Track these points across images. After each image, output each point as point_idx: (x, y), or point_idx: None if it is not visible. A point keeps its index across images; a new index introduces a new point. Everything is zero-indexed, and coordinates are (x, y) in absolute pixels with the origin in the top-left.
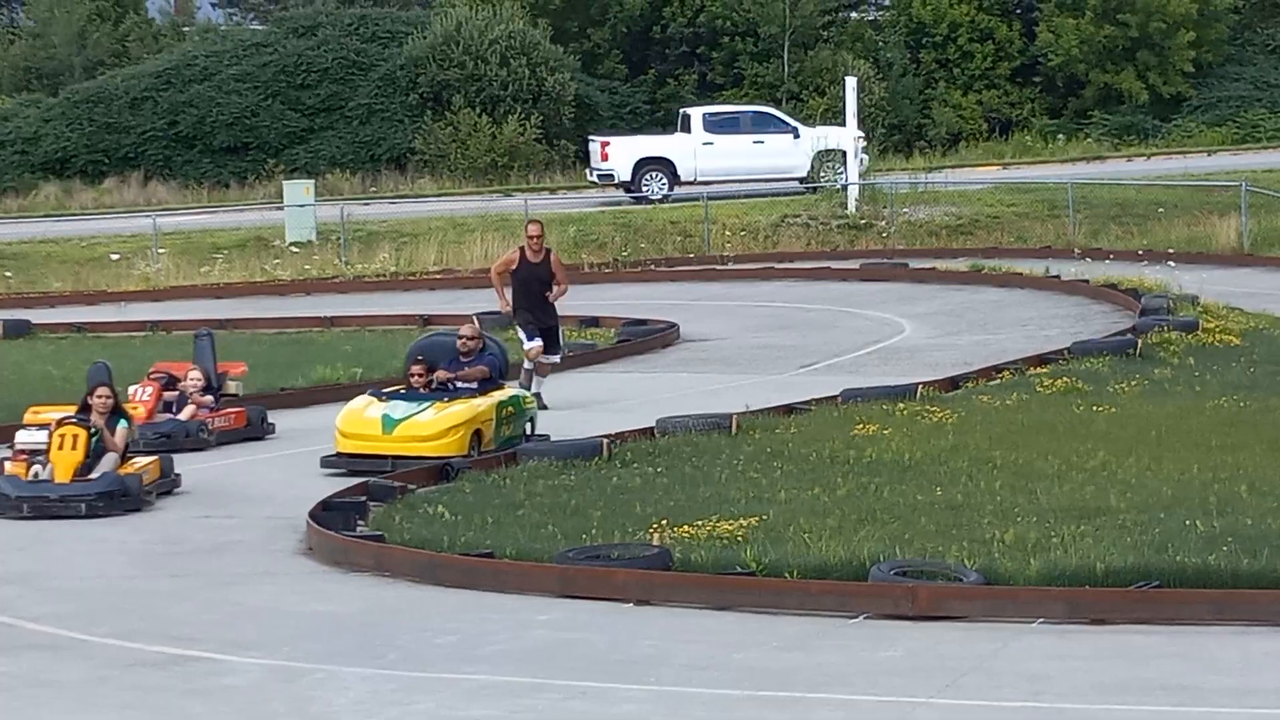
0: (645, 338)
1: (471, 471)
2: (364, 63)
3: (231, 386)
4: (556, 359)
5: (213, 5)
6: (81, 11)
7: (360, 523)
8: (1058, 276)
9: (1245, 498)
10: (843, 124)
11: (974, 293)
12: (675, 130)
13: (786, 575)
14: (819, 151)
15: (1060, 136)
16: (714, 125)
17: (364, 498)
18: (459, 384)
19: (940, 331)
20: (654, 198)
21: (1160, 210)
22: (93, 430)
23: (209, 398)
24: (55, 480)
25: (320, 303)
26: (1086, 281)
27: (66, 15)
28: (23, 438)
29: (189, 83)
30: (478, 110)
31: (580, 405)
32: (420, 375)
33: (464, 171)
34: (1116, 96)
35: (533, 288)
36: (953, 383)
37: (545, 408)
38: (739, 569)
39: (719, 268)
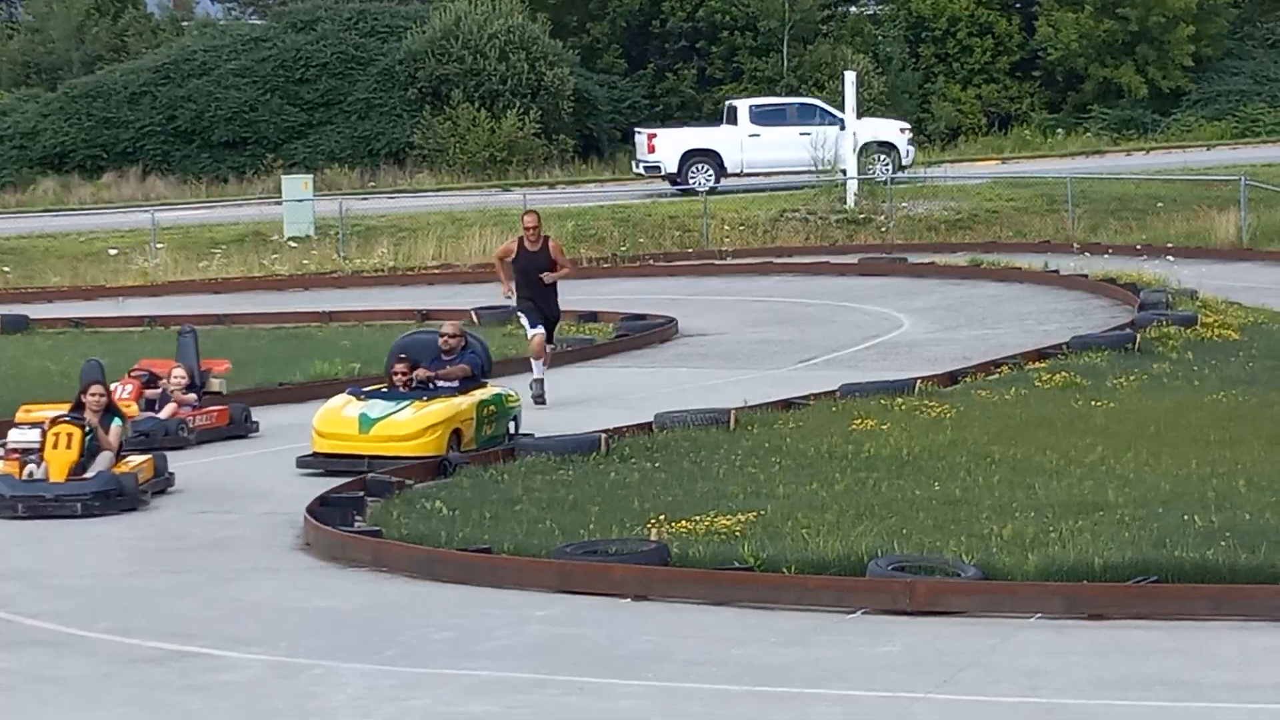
0: (643, 333)
1: (469, 467)
2: (362, 57)
3: (215, 384)
4: (550, 348)
5: (211, 0)
6: (80, 6)
7: (358, 518)
8: (1056, 271)
9: (1243, 493)
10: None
11: (973, 287)
12: (721, 122)
13: (784, 570)
14: (865, 143)
15: (1059, 131)
16: (760, 117)
17: (362, 493)
18: (439, 383)
19: (939, 326)
20: (700, 190)
21: (1159, 205)
22: (87, 429)
23: (192, 396)
24: (50, 479)
25: (318, 298)
26: (1085, 276)
27: (65, 10)
28: (15, 437)
29: (187, 78)
30: (476, 105)
31: (578, 400)
32: (403, 374)
33: (462, 166)
34: (1116, 91)
35: (533, 276)
36: (951, 378)
37: (542, 395)
38: (737, 564)
39: (717, 262)
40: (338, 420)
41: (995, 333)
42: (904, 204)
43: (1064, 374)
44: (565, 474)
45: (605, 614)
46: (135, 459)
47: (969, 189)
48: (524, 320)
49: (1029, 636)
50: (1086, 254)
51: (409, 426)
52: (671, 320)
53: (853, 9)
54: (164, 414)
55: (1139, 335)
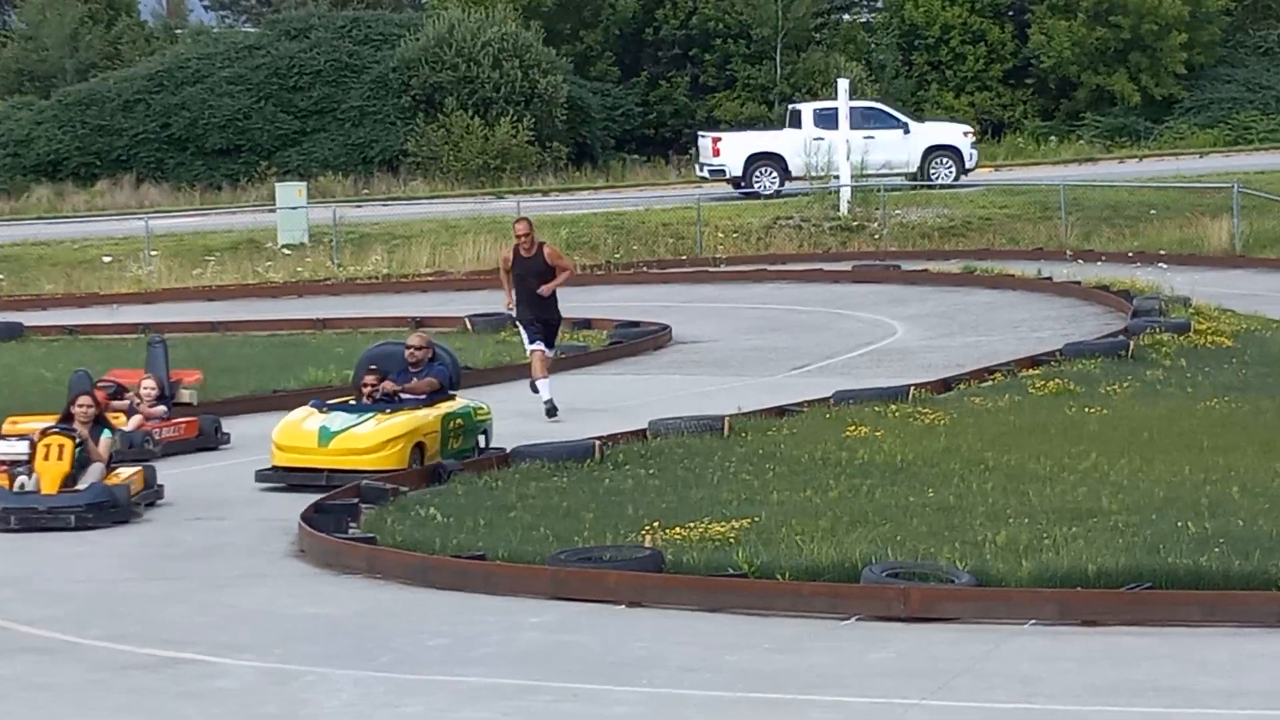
0: (637, 339)
1: (464, 474)
2: (356, 65)
3: (185, 395)
4: (550, 353)
5: (205, 7)
6: (74, 14)
7: (352, 525)
8: (1050, 278)
9: (1237, 499)
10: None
11: (966, 294)
12: (784, 126)
13: (778, 577)
14: (928, 147)
15: (1052, 138)
16: (824, 120)
17: (356, 500)
18: (404, 396)
19: (932, 333)
20: (765, 193)
21: (1152, 212)
22: (77, 440)
23: (161, 407)
24: (42, 491)
25: (312, 305)
26: (1078, 283)
27: (59, 17)
28: (2, 449)
29: (181, 85)
30: (470, 112)
31: (572, 407)
32: (372, 385)
33: (456, 173)
34: (1108, 98)
35: (529, 283)
36: (945, 384)
37: (555, 412)
38: (731, 571)
39: (711, 269)
40: (297, 433)
41: (989, 340)
42: (897, 211)
43: (1057, 381)
44: (559, 481)
45: (599, 621)
46: (126, 471)
47: (962, 196)
48: (523, 335)
49: (1022, 643)
50: (1079, 261)
51: (369, 440)
52: (665, 327)
53: (846, 17)
54: (129, 426)
55: (1132, 342)
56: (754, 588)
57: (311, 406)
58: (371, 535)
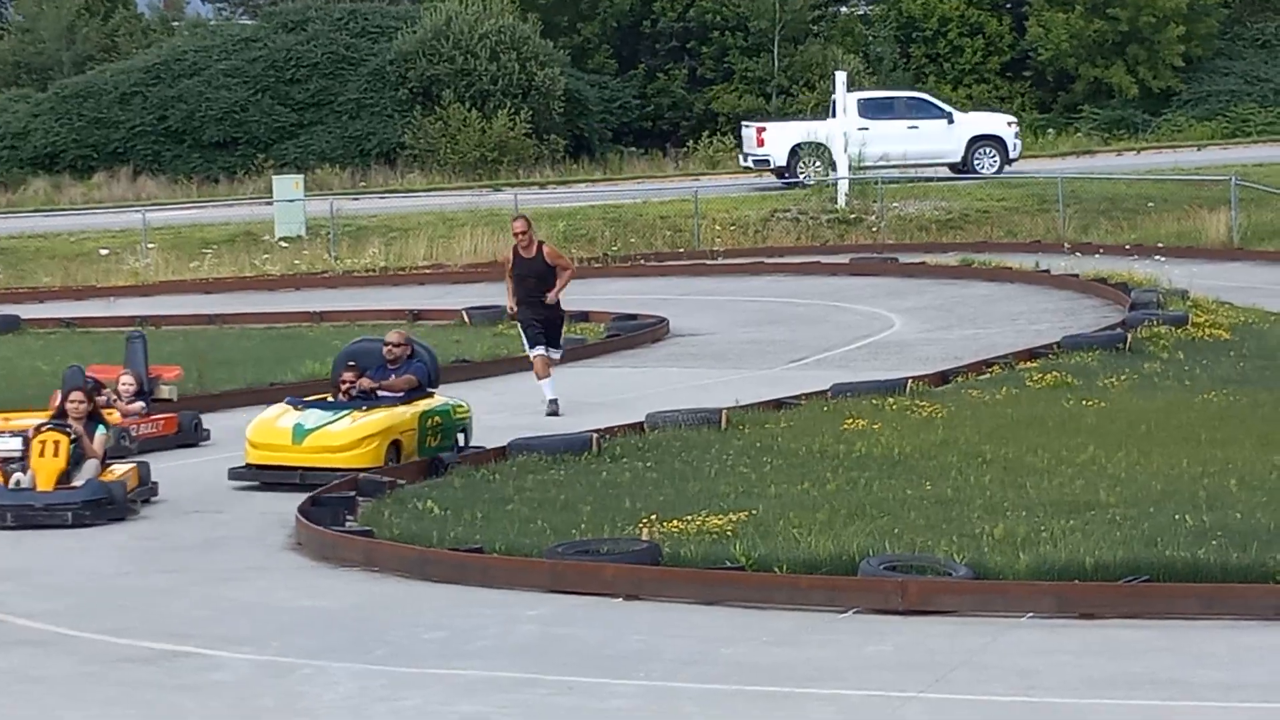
0: (635, 332)
1: (461, 466)
2: (353, 58)
3: (164, 391)
4: (557, 355)
5: (201, 0)
6: (70, 6)
7: (349, 518)
8: (1047, 271)
9: (1235, 492)
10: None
11: (964, 287)
12: (828, 116)
13: (776, 570)
14: (972, 137)
15: (1050, 131)
16: (869, 110)
17: (353, 493)
18: (381, 393)
19: (930, 326)
20: (809, 183)
21: (1150, 205)
22: (73, 436)
23: (139, 404)
24: (38, 488)
25: (310, 297)
26: (1076, 276)
27: (55, 10)
28: None
29: (178, 78)
30: (467, 105)
31: (570, 400)
32: (351, 382)
33: (453, 166)
34: (1106, 91)
35: (529, 284)
36: (942, 377)
37: (557, 413)
38: (728, 564)
39: (708, 262)
40: (271, 431)
41: (986, 332)
42: (895, 204)
43: (1055, 373)
44: (557, 474)
45: (596, 613)
46: (120, 467)
47: (960, 189)
48: (523, 339)
49: (1020, 636)
50: (1077, 254)
51: (343, 437)
52: (663, 320)
53: (843, 9)
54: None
55: (1130, 335)
56: (751, 580)
57: (287, 404)
58: (369, 528)
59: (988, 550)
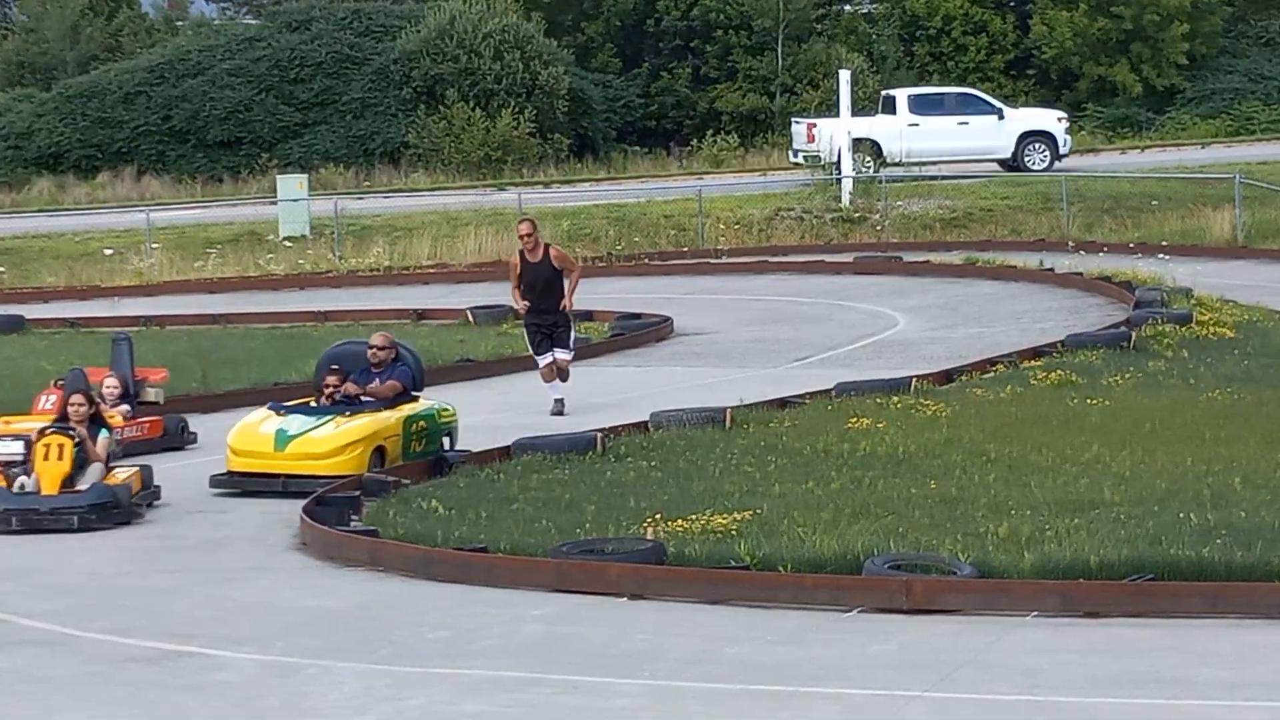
0: (639, 331)
1: (466, 466)
2: (357, 57)
3: (150, 394)
4: (568, 355)
5: (205, 0)
6: (74, 6)
7: (354, 518)
8: (1052, 269)
9: (1239, 490)
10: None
11: (968, 286)
12: (878, 112)
13: (780, 569)
14: (1022, 133)
15: None
16: (919, 106)
17: (358, 492)
18: (365, 398)
19: (934, 325)
20: (861, 179)
21: (1154, 203)
22: (77, 439)
23: (124, 407)
24: (42, 492)
25: (314, 297)
26: (1080, 274)
27: (60, 10)
28: None
29: (182, 77)
30: (471, 104)
31: (574, 399)
32: (334, 385)
33: (457, 165)
34: (1110, 89)
35: (538, 288)
36: (947, 376)
37: (561, 413)
38: (733, 563)
39: (713, 261)
40: (253, 437)
41: (990, 331)
42: (899, 202)
43: (1059, 372)
44: (561, 473)
45: (601, 613)
46: (123, 471)
47: (964, 187)
48: (529, 345)
49: (1025, 634)
50: (1081, 252)
51: (326, 444)
52: (667, 319)
53: (847, 8)
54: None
55: (1134, 333)
56: (756, 580)
57: (269, 409)
58: (373, 528)
59: (992, 549)
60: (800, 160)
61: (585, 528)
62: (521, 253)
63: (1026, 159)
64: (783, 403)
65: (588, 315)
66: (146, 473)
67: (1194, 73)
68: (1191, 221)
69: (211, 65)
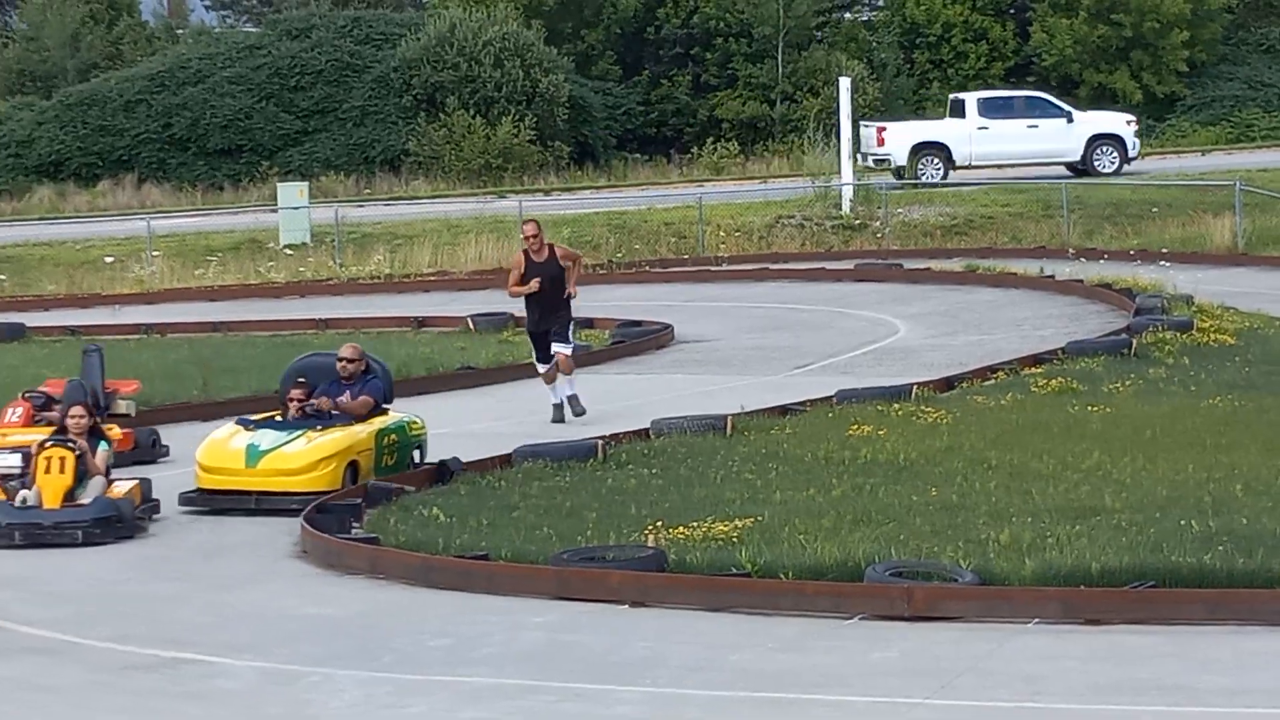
0: (640, 339)
1: (467, 474)
2: (358, 65)
3: (122, 406)
4: (567, 350)
5: (206, 8)
6: (75, 14)
7: (355, 525)
8: (1052, 276)
9: (1240, 497)
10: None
11: (968, 293)
12: (946, 115)
13: (782, 576)
14: (1091, 136)
15: None
16: (989, 110)
17: (360, 500)
18: (334, 414)
19: (935, 332)
20: (930, 182)
21: (1154, 210)
22: (78, 452)
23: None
24: (44, 506)
25: (315, 305)
26: (1081, 281)
27: (60, 18)
28: None
29: (183, 85)
30: (472, 112)
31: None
32: (300, 399)
33: (458, 173)
34: (1110, 96)
35: (545, 288)
36: (948, 383)
37: (582, 412)
38: (734, 570)
39: (713, 269)
40: (223, 453)
41: (991, 338)
42: (899, 210)
43: (1060, 379)
44: (562, 480)
45: (602, 620)
46: (124, 484)
47: (964, 195)
48: (534, 352)
49: (1026, 642)
50: (1082, 259)
51: (300, 459)
52: (668, 327)
53: (847, 15)
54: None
55: (1135, 340)
56: (757, 587)
57: (237, 423)
58: (374, 535)
59: (993, 556)
60: (870, 164)
61: (586, 535)
62: (526, 253)
63: (1095, 162)
64: (784, 410)
65: (588, 323)
66: (146, 485)
67: (1194, 80)
68: (1192, 228)
69: (212, 73)
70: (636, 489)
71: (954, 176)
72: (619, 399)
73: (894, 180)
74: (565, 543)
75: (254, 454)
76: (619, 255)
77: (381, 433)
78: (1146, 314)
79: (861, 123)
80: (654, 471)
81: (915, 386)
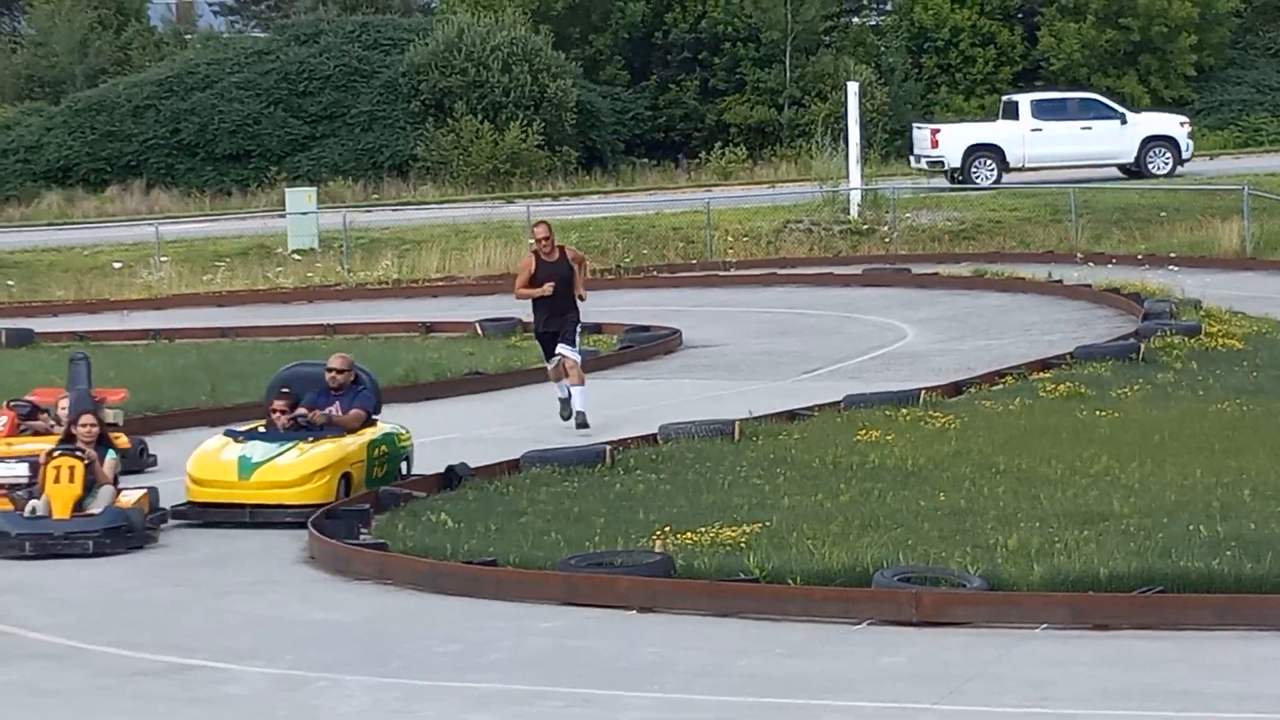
0: (648, 344)
1: (474, 479)
2: (366, 70)
3: (110, 415)
4: (576, 356)
5: (214, 13)
6: (83, 20)
7: (363, 531)
8: (1060, 281)
9: (1249, 502)
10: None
11: (976, 298)
12: (999, 117)
13: (790, 582)
14: (1145, 137)
15: None
16: (1042, 111)
17: (368, 506)
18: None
19: (943, 336)
20: (983, 184)
21: (1162, 214)
22: (86, 461)
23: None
24: (54, 516)
25: (323, 310)
26: (1089, 286)
27: (68, 24)
28: (1, 471)
29: (191, 90)
30: (480, 117)
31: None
32: (284, 410)
33: (466, 178)
34: (1118, 100)
35: (557, 289)
36: (956, 388)
37: (569, 416)
38: (742, 576)
39: (721, 273)
40: (215, 465)
41: (999, 343)
42: (907, 214)
43: (1068, 384)
44: (570, 486)
45: (610, 626)
46: (131, 493)
47: (972, 199)
48: (544, 353)
49: (1034, 647)
50: (1090, 264)
51: (294, 471)
52: (676, 332)
53: (855, 20)
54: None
55: (1143, 345)
56: (765, 592)
57: (225, 435)
58: (382, 541)
59: (1002, 561)
60: (923, 166)
61: (594, 540)
62: (537, 254)
63: (1149, 164)
64: (791, 415)
65: (596, 328)
66: (154, 494)
67: (1202, 84)
68: (1200, 233)
69: (220, 78)
70: (644, 494)
71: (1006, 178)
72: (627, 404)
73: (946, 183)
74: (573, 548)
75: (247, 466)
76: (627, 260)
77: (373, 444)
78: (1154, 319)
79: (914, 125)
80: (662, 477)
81: (923, 391)
